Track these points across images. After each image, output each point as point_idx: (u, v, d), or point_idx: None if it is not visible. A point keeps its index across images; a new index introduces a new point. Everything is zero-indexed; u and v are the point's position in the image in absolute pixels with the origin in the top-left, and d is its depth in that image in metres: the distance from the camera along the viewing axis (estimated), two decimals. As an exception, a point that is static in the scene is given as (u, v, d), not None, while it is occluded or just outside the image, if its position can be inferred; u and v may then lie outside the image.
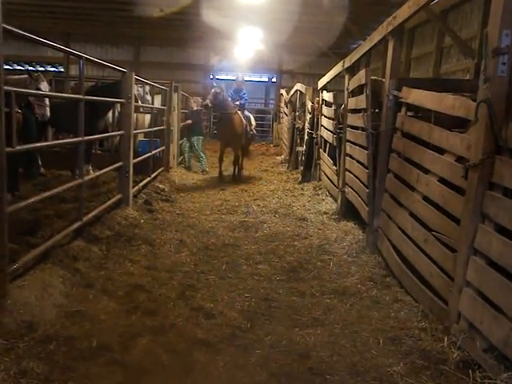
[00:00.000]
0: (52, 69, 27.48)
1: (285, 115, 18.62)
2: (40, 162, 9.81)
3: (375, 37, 6.81)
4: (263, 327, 4.11)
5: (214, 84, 11.04)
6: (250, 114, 12.89)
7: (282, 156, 17.49)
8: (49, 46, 4.58)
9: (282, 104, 20.03)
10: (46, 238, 5.15)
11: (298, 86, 14.69)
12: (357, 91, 7.79)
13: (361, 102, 7.13)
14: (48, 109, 8.13)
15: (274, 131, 23.53)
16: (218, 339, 3.83)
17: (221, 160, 12.11)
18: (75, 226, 5.44)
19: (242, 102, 12.34)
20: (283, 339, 3.88)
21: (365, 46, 7.45)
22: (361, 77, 7.15)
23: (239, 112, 11.88)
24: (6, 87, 3.58)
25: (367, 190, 6.60)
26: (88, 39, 23.68)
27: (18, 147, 4.00)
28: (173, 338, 3.83)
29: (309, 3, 14.31)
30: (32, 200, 4.43)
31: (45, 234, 5.52)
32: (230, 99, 11.79)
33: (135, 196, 8.31)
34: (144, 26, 20.65)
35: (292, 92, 16.43)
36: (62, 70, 25.11)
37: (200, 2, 14.61)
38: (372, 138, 6.58)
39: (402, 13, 5.69)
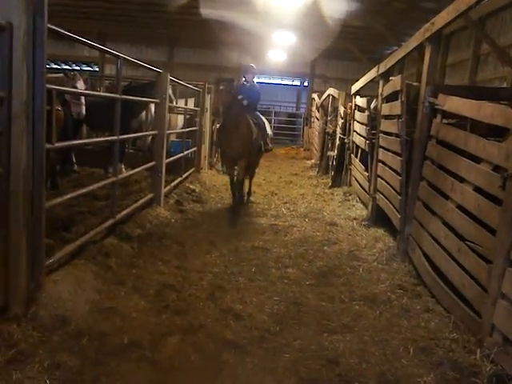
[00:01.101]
0: (87, 68, 27.96)
1: (316, 119, 18.56)
2: (74, 159, 9.99)
3: (412, 43, 6.75)
4: (292, 331, 4.10)
5: (223, 82, 7.75)
6: (263, 119, 9.22)
7: (313, 160, 17.43)
8: (88, 45, 4.67)
9: (314, 108, 19.97)
10: (80, 234, 5.23)
11: (331, 91, 14.64)
12: (391, 97, 7.72)
13: (395, 108, 7.06)
14: (84, 107, 8.28)
15: (304, 135, 23.48)
16: (247, 341, 3.84)
17: (230, 174, 8.59)
18: (108, 223, 5.52)
19: (253, 101, 8.63)
20: (312, 344, 3.87)
21: (400, 52, 7.39)
22: (396, 83, 7.09)
23: (248, 116, 8.30)
24: (47, 85, 3.66)
25: (399, 197, 6.53)
26: (123, 39, 24.00)
27: (57, 144, 4.08)
28: (202, 338, 3.85)
29: (343, 8, 14.24)
30: (68, 196, 4.52)
31: (78, 230, 5.62)
32: (240, 97, 8.20)
33: (166, 196, 8.40)
34: (178, 27, 20.87)
35: (324, 96, 16.38)
36: (97, 69, 25.51)
37: (235, 5, 14.68)
38: (406, 144, 6.52)
39: (440, 19, 5.63)
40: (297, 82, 28.16)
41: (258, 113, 9.03)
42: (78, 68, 26.85)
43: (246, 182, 9.37)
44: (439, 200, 5.33)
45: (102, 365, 3.33)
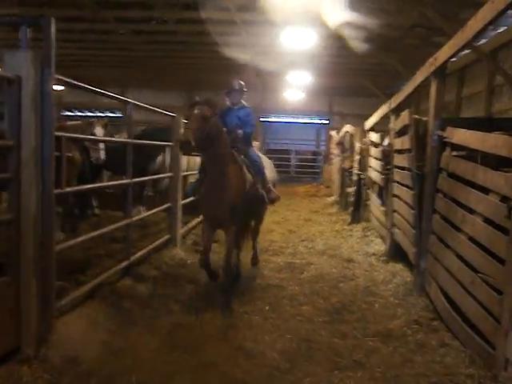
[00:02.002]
0: (111, 114, 28.70)
1: (335, 156, 18.66)
2: (95, 203, 10.18)
3: (418, 78, 6.85)
4: (302, 368, 4.07)
5: (197, 99, 5.60)
6: (262, 158, 7.05)
7: (333, 197, 17.43)
8: (95, 92, 4.87)
9: (333, 145, 20.10)
10: (94, 276, 5.32)
11: (347, 128, 14.77)
12: (403, 132, 7.77)
13: (405, 142, 7.10)
14: (102, 152, 8.51)
15: (324, 172, 23.55)
16: (256, 379, 3.83)
17: (206, 246, 6.03)
18: (123, 264, 5.62)
19: (246, 130, 6.42)
20: (321, 381, 3.84)
21: (409, 87, 7.48)
22: (404, 117, 7.16)
23: (236, 154, 6.04)
24: (56, 132, 3.81)
25: (413, 231, 6.50)
26: (144, 85, 24.66)
27: (68, 189, 4.23)
28: (212, 377, 3.86)
29: (356, 47, 14.49)
30: (80, 239, 4.64)
31: (93, 272, 5.72)
32: (225, 130, 5.96)
33: (184, 237, 8.48)
34: (197, 71, 21.42)
35: (341, 133, 16.51)
36: (121, 115, 26.19)
37: (249, 47, 15.08)
38: (417, 178, 6.53)
39: (443, 54, 5.72)
40: (316, 120, 28.39)
41: (253, 149, 6.74)
42: (101, 114, 27.57)
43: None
44: (452, 233, 5.30)
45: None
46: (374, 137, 10.34)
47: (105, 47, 17.78)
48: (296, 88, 21.59)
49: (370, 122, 10.86)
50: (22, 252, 3.56)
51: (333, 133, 20.49)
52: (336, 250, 8.76)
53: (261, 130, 27.01)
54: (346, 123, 17.32)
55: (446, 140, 5.79)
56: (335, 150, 18.82)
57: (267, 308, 5.60)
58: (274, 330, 4.96)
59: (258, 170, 6.45)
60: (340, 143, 16.79)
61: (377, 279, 6.93)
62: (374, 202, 10.10)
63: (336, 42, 13.97)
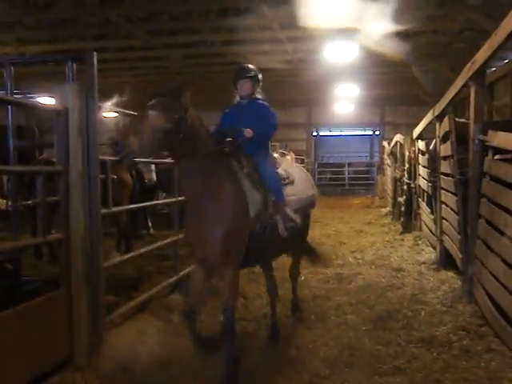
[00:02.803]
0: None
1: (388, 167, 18.50)
2: (150, 224, 10.59)
3: (458, 82, 6.82)
4: (342, 374, 4.16)
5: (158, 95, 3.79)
6: (291, 168, 5.16)
7: (387, 208, 17.25)
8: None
9: (385, 156, 19.94)
10: (145, 291, 5.61)
11: (398, 137, 14.66)
12: (447, 138, 7.72)
13: (448, 148, 7.07)
14: (154, 173, 8.89)
15: (378, 183, 23.33)
16: (295, 386, 3.95)
17: (193, 292, 4.44)
18: (171, 280, 5.88)
19: (259, 130, 4.42)
20: (360, 386, 3.91)
21: (450, 93, 7.45)
22: (446, 124, 7.13)
23: (233, 162, 4.36)
24: (101, 156, 4.13)
25: (459, 237, 6.45)
26: (197, 106, 25.32)
27: (114, 208, 4.53)
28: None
29: (403, 56, 14.44)
30: (127, 256, 4.92)
31: (144, 287, 6.01)
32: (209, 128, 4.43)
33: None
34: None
35: (392, 143, 16.39)
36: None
37: (296, 63, 15.32)
38: (461, 183, 6.49)
39: (479, 57, 5.72)
40: (368, 132, 28.25)
41: (268, 157, 4.78)
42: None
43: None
44: (496, 237, 5.25)
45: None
46: (421, 145, 10.27)
47: (157, 73, 18.48)
48: (346, 100, 21.63)
49: (417, 130, 10.78)
50: (72, 268, 3.86)
51: (385, 143, 20.34)
52: (385, 260, 8.73)
53: (313, 144, 27.17)
54: (398, 133, 17.18)
55: (488, 144, 5.75)
56: (387, 161, 18.67)
57: (312, 318, 5.70)
58: (317, 338, 5.05)
59: (270, 187, 4.45)
60: (391, 153, 16.66)
61: (425, 287, 6.88)
62: (425, 211, 10.00)
63: (382, 51, 14.00)
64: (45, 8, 11.22)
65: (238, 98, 4.82)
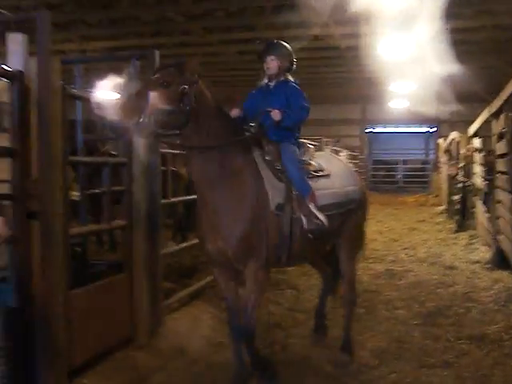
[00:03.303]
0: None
1: (443, 164, 18.18)
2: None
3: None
4: (390, 365, 4.25)
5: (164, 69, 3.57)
6: (326, 158, 4.68)
7: (442, 206, 16.99)
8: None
9: (441, 153, 19.58)
10: (200, 279, 5.86)
11: (454, 135, 14.42)
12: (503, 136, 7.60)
13: (504, 146, 6.98)
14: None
15: (433, 181, 22.92)
16: (344, 374, 4.08)
17: (234, 321, 3.90)
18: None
19: (290, 115, 3.98)
20: (407, 377, 4.00)
21: (508, 89, 7.32)
22: (501, 121, 7.03)
23: (254, 148, 3.92)
24: (161, 150, 4.37)
25: (513, 236, 6.38)
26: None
27: (173, 199, 4.79)
28: (302, 370, 4.16)
29: (460, 51, 14.16)
30: (183, 246, 5.17)
31: (200, 276, 6.26)
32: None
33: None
34: (302, 86, 21.82)
35: (448, 141, 16.11)
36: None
37: (349, 59, 15.28)
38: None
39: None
40: (424, 129, 27.70)
41: (300, 143, 4.30)
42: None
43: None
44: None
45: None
46: (477, 142, 10.11)
47: (212, 68, 18.82)
48: (401, 97, 21.33)
49: (473, 128, 10.61)
50: (134, 253, 4.12)
51: (440, 141, 19.97)
52: (438, 258, 8.67)
53: (367, 141, 26.93)
54: (456, 129, 16.87)
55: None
56: (443, 158, 18.35)
57: (361, 311, 5.78)
58: (366, 331, 5.14)
59: (293, 178, 3.95)
60: (447, 151, 16.38)
61: (478, 286, 6.83)
62: (480, 209, 9.84)
63: (439, 47, 13.76)
64: (106, 7, 11.73)
65: (265, 80, 4.24)
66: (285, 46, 4.18)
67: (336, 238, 4.48)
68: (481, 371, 4.12)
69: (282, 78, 4.18)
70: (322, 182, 4.18)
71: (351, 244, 4.63)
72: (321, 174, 4.21)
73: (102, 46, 14.78)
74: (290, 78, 4.25)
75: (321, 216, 3.95)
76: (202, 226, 3.74)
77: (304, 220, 3.91)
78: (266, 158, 3.89)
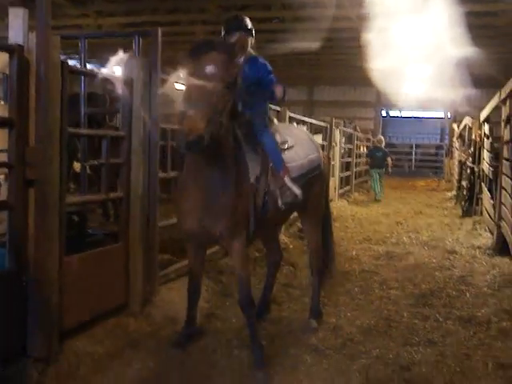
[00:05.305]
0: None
1: (456, 150, 18.09)
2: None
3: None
4: (375, 342, 4.36)
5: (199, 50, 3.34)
6: (288, 129, 4.75)
7: (453, 192, 16.95)
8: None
9: (454, 139, 19.47)
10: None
11: (467, 120, 14.32)
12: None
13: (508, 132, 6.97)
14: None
15: (446, 166, 22.82)
16: (328, 347, 4.20)
17: (191, 288, 4.17)
18: (224, 245, 6.22)
19: (260, 88, 4.05)
20: (390, 353, 4.12)
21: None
22: (507, 108, 7.01)
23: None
24: (162, 125, 4.48)
25: (513, 222, 6.41)
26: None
27: (172, 173, 4.91)
28: (288, 342, 4.31)
29: (478, 35, 13.99)
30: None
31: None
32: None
33: (291, 224, 8.93)
34: (318, 67, 21.81)
35: (461, 126, 16.00)
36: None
37: (365, 42, 15.18)
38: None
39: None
40: (440, 114, 27.48)
41: (269, 118, 4.31)
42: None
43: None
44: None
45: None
46: (486, 128, 10.06)
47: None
48: (418, 81, 21.15)
49: (484, 113, 10.54)
50: (131, 224, 4.26)
51: (454, 126, 19.83)
52: (440, 242, 8.73)
53: (381, 124, 26.80)
54: (471, 116, 16.74)
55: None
56: (456, 144, 18.25)
57: (356, 290, 5.91)
58: (357, 308, 5.27)
59: (269, 152, 3.98)
60: (460, 136, 16.29)
61: (475, 270, 6.89)
62: (486, 196, 9.84)
63: (458, 31, 13.61)
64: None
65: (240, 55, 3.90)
66: (248, 21, 4.18)
67: (300, 207, 4.54)
68: (464, 350, 4.22)
69: (252, 56, 4.18)
70: (290, 154, 4.18)
71: (315, 211, 4.73)
72: (286, 146, 4.19)
73: (117, 21, 14.86)
74: (253, 52, 4.25)
75: (296, 189, 4.02)
76: (184, 206, 3.72)
77: (278, 193, 3.95)
78: (243, 131, 3.85)
